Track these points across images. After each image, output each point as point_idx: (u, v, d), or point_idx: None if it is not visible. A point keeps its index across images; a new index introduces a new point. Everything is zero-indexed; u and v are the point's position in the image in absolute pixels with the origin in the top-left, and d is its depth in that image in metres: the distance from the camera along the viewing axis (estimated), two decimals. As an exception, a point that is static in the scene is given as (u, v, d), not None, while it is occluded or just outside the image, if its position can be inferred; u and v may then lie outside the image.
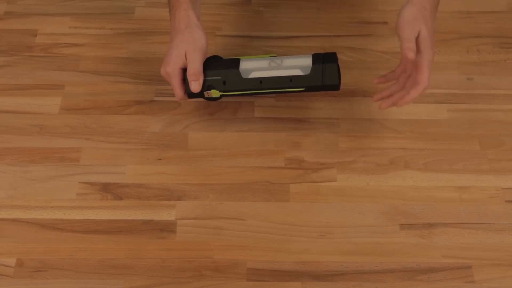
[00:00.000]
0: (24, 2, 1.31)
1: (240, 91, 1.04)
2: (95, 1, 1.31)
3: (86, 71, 1.18)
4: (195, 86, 1.03)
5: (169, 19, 1.08)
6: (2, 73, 1.18)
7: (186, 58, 1.02)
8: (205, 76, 1.03)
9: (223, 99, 1.08)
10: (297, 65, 1.03)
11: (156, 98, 1.14)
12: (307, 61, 1.03)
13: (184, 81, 1.04)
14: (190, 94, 1.05)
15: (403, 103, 1.01)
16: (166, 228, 0.98)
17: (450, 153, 1.07)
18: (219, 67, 1.04)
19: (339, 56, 1.04)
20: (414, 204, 1.01)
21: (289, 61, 1.04)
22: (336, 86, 1.03)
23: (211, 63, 1.04)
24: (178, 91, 1.04)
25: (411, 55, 0.95)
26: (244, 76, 1.03)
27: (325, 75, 1.02)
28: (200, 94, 1.05)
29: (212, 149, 1.07)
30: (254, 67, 1.03)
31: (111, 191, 1.02)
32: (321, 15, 1.30)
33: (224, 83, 1.03)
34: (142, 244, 0.96)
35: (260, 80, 1.03)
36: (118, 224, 0.98)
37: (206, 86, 1.03)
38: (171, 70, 1.03)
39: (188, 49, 1.02)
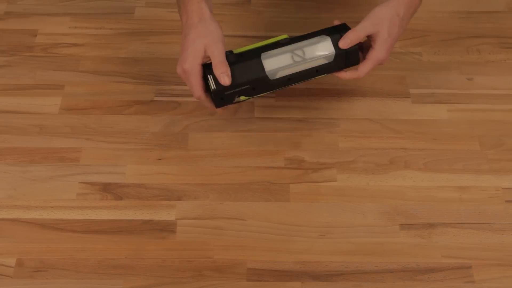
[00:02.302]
0: (24, 2, 1.31)
1: (269, 91, 1.02)
2: (95, 1, 1.31)
3: (86, 71, 1.18)
4: (225, 79, 0.96)
5: (179, 15, 1.03)
6: (2, 73, 1.18)
7: (205, 52, 0.97)
8: (233, 87, 0.98)
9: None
10: (320, 54, 1.01)
11: (156, 98, 1.14)
12: (327, 46, 1.01)
13: (204, 79, 0.98)
14: (218, 102, 0.99)
15: (337, 74, 1.04)
16: (166, 228, 0.98)
17: (450, 153, 1.07)
18: (244, 75, 0.99)
19: None
20: (414, 204, 1.01)
21: (310, 51, 1.01)
22: (357, 63, 1.03)
23: (233, 69, 0.98)
24: (197, 88, 0.98)
25: (343, 44, 1.00)
26: (271, 78, 1.00)
27: (348, 58, 1.02)
28: (228, 99, 0.99)
29: (212, 149, 1.07)
30: (279, 67, 1.00)
31: (111, 191, 1.02)
32: (321, 15, 1.30)
33: (254, 89, 1.00)
34: (142, 244, 0.96)
35: (288, 78, 1.01)
36: (118, 224, 0.98)
37: (236, 97, 0.99)
38: (190, 66, 0.96)
39: (207, 43, 0.97)
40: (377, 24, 1.00)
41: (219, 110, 1.02)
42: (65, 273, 0.93)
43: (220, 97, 0.99)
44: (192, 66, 0.96)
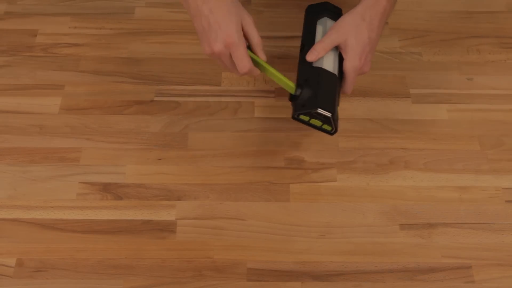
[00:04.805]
0: (24, 2, 1.31)
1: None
2: (95, 1, 1.31)
3: (86, 71, 1.18)
4: (264, 56, 0.95)
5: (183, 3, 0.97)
6: (2, 73, 1.18)
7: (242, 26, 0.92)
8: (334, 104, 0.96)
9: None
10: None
11: (156, 98, 1.14)
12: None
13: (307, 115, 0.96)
14: (336, 124, 0.96)
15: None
16: (166, 228, 0.98)
17: (450, 153, 1.07)
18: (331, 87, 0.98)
19: None
20: (414, 204, 1.01)
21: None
22: None
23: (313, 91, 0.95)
24: (247, 60, 0.92)
25: (310, 57, 0.97)
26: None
27: None
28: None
29: (212, 149, 1.07)
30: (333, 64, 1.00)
31: (111, 191, 1.02)
32: (321, 15, 1.29)
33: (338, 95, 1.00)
34: (142, 244, 0.96)
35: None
36: (118, 224, 0.98)
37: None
38: (236, 38, 0.89)
39: (243, 16, 0.91)
40: (343, 33, 0.98)
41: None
42: (65, 273, 0.93)
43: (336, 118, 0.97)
44: (239, 37, 0.90)
